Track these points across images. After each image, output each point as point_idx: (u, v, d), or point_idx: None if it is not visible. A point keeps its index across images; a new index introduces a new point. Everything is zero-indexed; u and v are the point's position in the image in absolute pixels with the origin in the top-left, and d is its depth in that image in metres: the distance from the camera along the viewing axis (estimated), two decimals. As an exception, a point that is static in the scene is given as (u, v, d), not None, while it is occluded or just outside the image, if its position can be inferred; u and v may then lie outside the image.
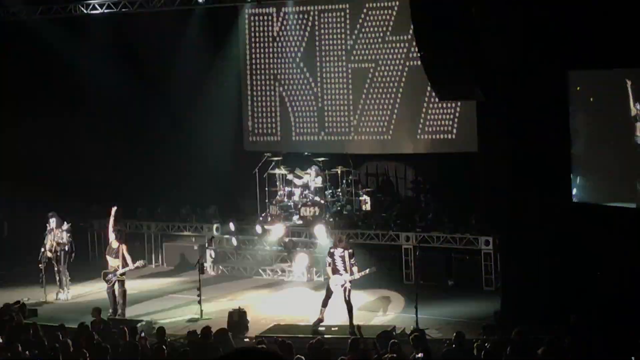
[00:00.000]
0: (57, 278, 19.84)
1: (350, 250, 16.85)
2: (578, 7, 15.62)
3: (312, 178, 22.15)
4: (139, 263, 18.41)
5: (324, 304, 16.79)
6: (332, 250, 16.89)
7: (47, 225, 19.77)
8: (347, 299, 16.59)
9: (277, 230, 21.59)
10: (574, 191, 16.69)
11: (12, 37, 23.60)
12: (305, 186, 22.22)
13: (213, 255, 22.21)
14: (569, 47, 15.96)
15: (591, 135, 16.71)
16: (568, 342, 12.96)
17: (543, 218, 16.67)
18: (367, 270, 16.82)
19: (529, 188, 16.71)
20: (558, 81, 16.44)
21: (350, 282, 16.64)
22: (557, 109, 16.47)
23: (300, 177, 21.99)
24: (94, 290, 20.37)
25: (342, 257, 16.68)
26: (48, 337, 14.49)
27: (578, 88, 16.57)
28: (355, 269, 16.69)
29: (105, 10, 22.93)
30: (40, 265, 19.71)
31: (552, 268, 16.53)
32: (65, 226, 19.82)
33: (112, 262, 18.22)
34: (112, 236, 18.41)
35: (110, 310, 18.09)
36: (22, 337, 14.37)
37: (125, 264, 18.09)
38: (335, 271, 16.68)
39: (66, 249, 19.76)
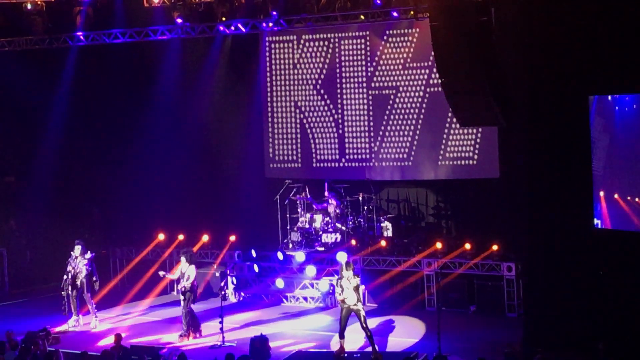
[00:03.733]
0: (74, 305, 19.73)
1: (358, 281, 16.69)
2: (598, 32, 15.62)
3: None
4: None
5: (341, 335, 16.73)
6: (339, 280, 16.79)
7: (72, 252, 19.80)
8: (364, 325, 16.51)
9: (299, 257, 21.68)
10: (596, 217, 16.61)
11: (39, 64, 23.76)
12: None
13: (235, 282, 22.24)
14: (590, 71, 15.95)
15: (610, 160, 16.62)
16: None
17: (565, 244, 16.59)
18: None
19: (551, 214, 16.65)
20: (579, 106, 16.41)
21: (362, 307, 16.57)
22: (579, 134, 16.42)
23: None
24: (116, 318, 20.52)
25: (349, 283, 16.53)
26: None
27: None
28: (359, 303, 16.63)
29: (128, 39, 23.05)
30: (62, 293, 19.75)
31: (576, 294, 16.42)
32: (89, 255, 19.84)
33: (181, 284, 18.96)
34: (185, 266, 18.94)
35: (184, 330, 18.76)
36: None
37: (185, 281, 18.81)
38: (343, 301, 16.62)
39: (85, 278, 19.70)
